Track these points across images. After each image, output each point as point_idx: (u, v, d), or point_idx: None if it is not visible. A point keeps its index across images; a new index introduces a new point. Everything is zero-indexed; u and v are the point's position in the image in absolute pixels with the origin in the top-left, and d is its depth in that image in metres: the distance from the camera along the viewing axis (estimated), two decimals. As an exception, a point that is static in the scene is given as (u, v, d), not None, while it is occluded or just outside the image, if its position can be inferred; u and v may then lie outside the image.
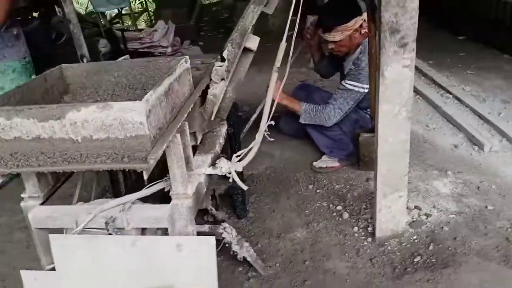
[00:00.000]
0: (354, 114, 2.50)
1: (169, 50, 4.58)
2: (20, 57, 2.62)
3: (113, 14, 8.00)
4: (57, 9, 7.53)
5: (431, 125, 2.98)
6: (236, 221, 2.27)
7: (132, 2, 10.16)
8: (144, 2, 7.68)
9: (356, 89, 2.37)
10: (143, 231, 1.52)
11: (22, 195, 1.53)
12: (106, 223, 1.43)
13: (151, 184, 1.56)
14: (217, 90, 1.84)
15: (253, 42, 1.80)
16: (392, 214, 1.91)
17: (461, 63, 4.11)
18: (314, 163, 2.64)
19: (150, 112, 1.24)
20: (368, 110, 2.52)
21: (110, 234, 1.44)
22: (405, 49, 1.64)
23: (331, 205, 2.28)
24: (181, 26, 5.67)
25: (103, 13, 6.67)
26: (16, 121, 1.25)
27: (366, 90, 2.37)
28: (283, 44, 1.70)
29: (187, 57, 1.65)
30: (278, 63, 1.71)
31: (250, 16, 1.74)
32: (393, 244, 1.93)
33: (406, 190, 1.88)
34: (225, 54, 1.79)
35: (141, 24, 8.66)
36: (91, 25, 7.07)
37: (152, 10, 8.08)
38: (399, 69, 1.66)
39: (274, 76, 1.74)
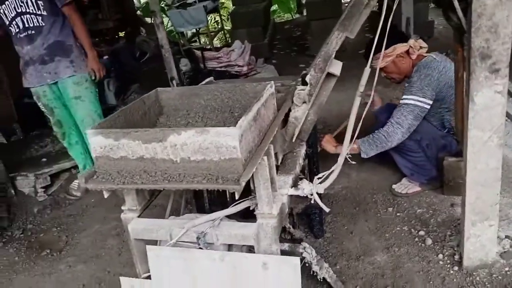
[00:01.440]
0: (443, 139, 2.42)
1: (245, 69, 4.74)
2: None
3: (191, 33, 8.45)
4: (141, 29, 8.13)
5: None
6: (313, 240, 2.29)
7: (208, 22, 10.70)
8: (220, 21, 8.01)
9: (411, 102, 2.29)
10: (229, 247, 1.60)
11: (122, 208, 1.68)
12: (198, 238, 1.53)
13: (237, 202, 1.64)
14: (299, 113, 1.89)
15: (337, 67, 1.83)
16: (481, 243, 1.82)
17: (555, 81, 3.81)
18: (394, 186, 2.59)
19: (242, 137, 1.32)
20: (448, 128, 2.45)
21: (200, 248, 1.54)
22: (497, 75, 1.58)
23: (412, 230, 2.22)
24: (255, 44, 5.84)
25: (182, 33, 7.09)
26: (123, 142, 1.39)
27: (426, 106, 2.29)
28: (367, 70, 1.72)
29: (272, 82, 1.73)
30: (361, 87, 1.73)
31: (334, 42, 1.78)
32: (482, 274, 1.83)
33: (497, 219, 1.78)
34: (307, 78, 1.84)
35: (216, 43, 9.05)
36: (171, 45, 7.53)
37: (228, 29, 8.41)
38: (490, 95, 1.61)
39: (357, 100, 1.76)
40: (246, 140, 1.36)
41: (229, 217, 1.65)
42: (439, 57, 2.41)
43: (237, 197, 1.33)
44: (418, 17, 5.06)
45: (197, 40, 8.45)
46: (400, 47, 2.36)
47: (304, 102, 1.89)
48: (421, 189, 2.52)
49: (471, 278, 1.83)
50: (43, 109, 3.06)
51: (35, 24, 2.80)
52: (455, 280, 1.84)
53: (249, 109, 1.42)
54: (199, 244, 1.53)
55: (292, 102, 1.91)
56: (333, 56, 1.79)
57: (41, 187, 3.22)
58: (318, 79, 1.83)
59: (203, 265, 1.52)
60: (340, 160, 1.77)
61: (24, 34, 2.83)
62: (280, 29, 8.44)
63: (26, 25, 2.81)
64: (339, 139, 2.51)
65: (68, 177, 3.47)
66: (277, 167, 1.91)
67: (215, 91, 1.83)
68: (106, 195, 1.49)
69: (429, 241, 2.09)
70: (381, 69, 2.44)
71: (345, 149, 1.78)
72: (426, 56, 2.40)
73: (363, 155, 2.38)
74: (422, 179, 2.50)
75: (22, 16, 2.79)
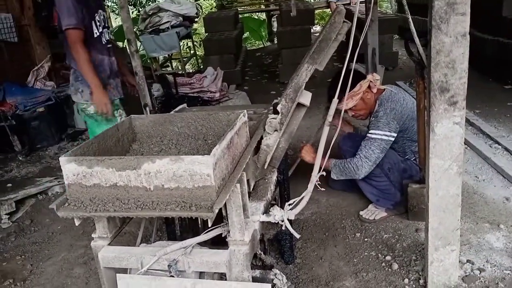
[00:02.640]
0: (403, 163, 2.54)
1: (217, 95, 4.80)
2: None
3: (163, 59, 8.49)
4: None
5: (480, 176, 2.95)
6: (284, 266, 2.31)
7: (181, 47, 10.79)
8: (193, 47, 8.11)
9: (378, 137, 2.42)
10: (201, 274, 1.60)
11: (93, 235, 1.66)
12: (169, 266, 1.53)
13: (209, 228, 1.66)
14: (271, 140, 1.95)
15: (306, 98, 1.91)
16: (444, 268, 1.90)
17: (509, 113, 4.05)
18: (361, 213, 2.66)
19: (216, 165, 1.35)
20: (408, 157, 2.56)
21: (172, 276, 1.54)
22: (455, 107, 1.69)
23: (380, 255, 2.28)
24: (227, 71, 5.94)
25: (154, 58, 7.12)
26: (96, 170, 1.40)
27: (391, 138, 2.42)
28: (335, 101, 1.81)
29: (245, 111, 1.78)
30: (330, 117, 1.82)
31: (304, 74, 1.86)
32: (445, 298, 1.90)
33: (459, 244, 1.87)
34: (279, 107, 1.91)
35: (189, 68, 9.12)
36: (143, 69, 7.52)
37: (200, 54, 8.51)
38: (449, 126, 1.71)
39: (326, 129, 1.84)
40: (219, 167, 1.39)
41: (201, 244, 1.67)
42: (394, 88, 2.58)
43: (210, 224, 1.35)
44: (383, 48, 5.30)
45: (169, 65, 8.50)
46: (364, 83, 2.47)
47: (276, 130, 1.95)
48: (387, 215, 2.60)
49: (435, 301, 1.90)
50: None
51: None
52: (420, 304, 1.90)
53: (223, 137, 1.46)
54: (170, 272, 1.53)
55: (264, 130, 1.97)
56: (303, 87, 1.87)
57: (6, 214, 3.12)
58: (288, 109, 1.90)
59: (175, 293, 1.52)
60: (310, 186, 1.82)
61: (108, 46, 2.83)
62: (251, 56, 8.62)
63: (107, 38, 2.81)
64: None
65: (34, 203, 3.37)
66: (249, 193, 1.95)
67: (189, 118, 1.86)
68: (77, 222, 1.48)
69: (395, 266, 2.16)
70: (350, 109, 2.54)
71: (315, 177, 1.84)
72: (383, 90, 2.54)
73: (333, 176, 2.54)
74: (388, 204, 2.58)
75: (106, 29, 2.80)
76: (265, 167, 1.96)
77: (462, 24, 1.60)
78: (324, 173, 1.83)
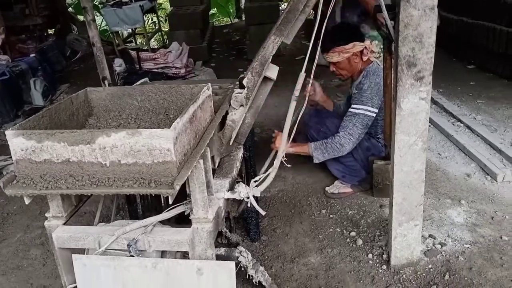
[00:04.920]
0: (366, 142, 2.53)
1: (182, 71, 4.66)
2: None
3: (126, 34, 8.19)
4: (73, 27, 7.73)
5: (443, 154, 3.00)
6: (249, 244, 2.29)
7: (145, 22, 10.42)
8: (157, 22, 7.84)
9: (362, 111, 2.36)
10: (162, 253, 1.54)
11: (46, 215, 1.56)
12: (129, 245, 1.46)
13: (171, 207, 1.59)
14: (236, 116, 1.88)
15: (273, 72, 1.85)
16: (407, 243, 1.92)
17: (471, 92, 4.15)
18: (327, 188, 2.66)
19: (177, 139, 1.28)
20: (379, 137, 2.55)
21: (131, 255, 1.47)
22: (422, 82, 1.68)
23: (344, 231, 2.29)
24: (194, 47, 5.78)
25: (117, 32, 6.84)
26: (47, 144, 1.29)
27: (373, 114, 2.38)
28: (302, 75, 1.76)
29: (209, 84, 1.70)
30: (297, 92, 1.77)
31: (271, 46, 1.79)
32: (408, 272, 1.93)
33: (421, 219, 1.89)
34: (245, 81, 1.84)
35: (154, 44, 8.84)
36: (105, 44, 7.24)
37: (165, 30, 8.25)
38: (415, 101, 1.70)
39: (293, 104, 1.79)
40: (181, 142, 1.32)
41: (164, 223, 1.60)
42: (381, 63, 2.48)
43: (171, 201, 1.29)
44: (350, 27, 5.27)
45: (133, 40, 8.21)
46: (358, 45, 2.39)
47: (242, 105, 1.88)
48: (352, 191, 2.61)
49: (398, 276, 1.92)
50: None
51: None
52: (383, 278, 1.93)
53: (185, 111, 1.39)
54: (130, 252, 1.46)
55: (230, 105, 1.90)
56: (270, 60, 1.81)
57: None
58: (255, 83, 1.84)
59: (135, 274, 1.46)
60: (276, 163, 1.79)
61: None
62: (219, 32, 8.43)
63: None
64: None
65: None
66: (214, 170, 1.89)
67: (149, 92, 1.77)
68: (27, 201, 1.38)
69: (359, 242, 2.17)
70: (333, 63, 2.47)
71: (281, 153, 1.80)
72: (372, 62, 2.47)
73: (315, 160, 2.46)
74: (354, 180, 2.59)
75: None
76: (231, 143, 1.90)
77: (430, -3, 1.57)
78: (291, 150, 1.79)
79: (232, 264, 1.43)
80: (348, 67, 2.47)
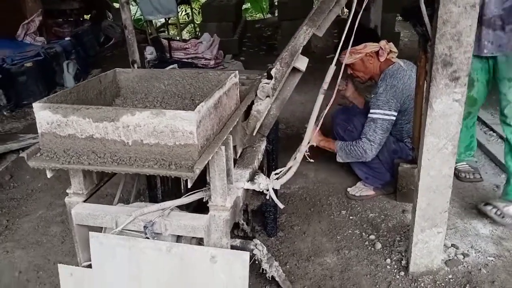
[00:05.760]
0: (394, 144, 2.46)
1: (212, 62, 4.67)
2: None
3: (160, 23, 8.27)
4: (108, 13, 7.87)
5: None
6: (266, 238, 2.27)
7: (179, 13, 10.51)
8: (191, 13, 7.89)
9: (379, 116, 2.32)
10: (178, 238, 1.54)
11: (67, 191, 1.58)
12: (145, 227, 1.46)
13: (190, 192, 1.58)
14: (262, 106, 1.86)
15: (302, 63, 1.81)
16: (428, 250, 1.85)
17: (507, 101, 3.98)
18: (349, 189, 2.61)
19: (200, 123, 1.27)
20: (405, 141, 2.47)
21: (147, 238, 1.47)
22: (457, 83, 1.61)
23: (363, 234, 2.24)
24: (225, 40, 5.78)
25: (150, 21, 6.91)
26: (72, 119, 1.30)
27: (392, 118, 2.33)
28: (332, 67, 1.71)
29: (237, 72, 1.68)
30: (325, 85, 1.72)
31: (302, 37, 1.76)
32: (427, 281, 1.86)
33: (445, 227, 1.82)
34: (273, 72, 1.81)
35: (186, 35, 8.90)
36: (138, 32, 7.33)
37: (198, 22, 8.29)
38: (449, 103, 1.63)
39: (320, 97, 1.74)
40: (204, 126, 1.31)
41: (182, 209, 1.59)
42: (406, 65, 2.41)
43: (189, 185, 1.28)
44: (385, 27, 5.17)
45: (166, 31, 8.28)
46: (371, 46, 2.35)
47: (268, 96, 1.86)
48: (375, 194, 2.55)
49: (415, 284, 1.86)
50: None
51: None
52: (400, 285, 1.87)
53: (210, 95, 1.37)
54: (146, 234, 1.46)
55: (256, 95, 1.87)
56: (300, 51, 1.77)
57: (-16, 168, 3.03)
58: (283, 74, 1.80)
59: (149, 256, 1.46)
60: (299, 157, 1.75)
61: None
62: (251, 27, 8.41)
63: None
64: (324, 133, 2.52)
65: (15, 159, 3.27)
66: (235, 160, 1.87)
67: (176, 76, 1.77)
68: (49, 174, 1.39)
69: (378, 246, 2.12)
70: (348, 65, 2.43)
71: (304, 147, 1.76)
72: (394, 63, 2.40)
73: (339, 159, 2.47)
74: (377, 183, 2.53)
75: None
76: (254, 134, 1.88)
77: (472, -6, 1.50)
78: (314, 144, 1.75)
79: (246, 255, 1.41)
80: (363, 68, 2.43)
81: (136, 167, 1.28)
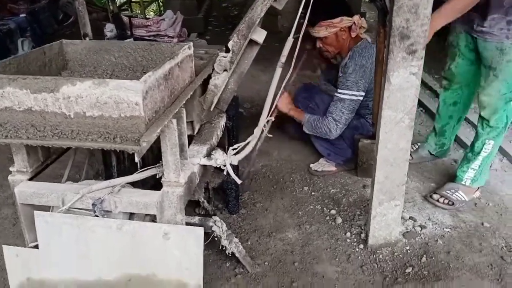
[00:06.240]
0: (355, 121, 2.45)
1: (175, 40, 4.52)
2: None
3: (123, 1, 7.96)
4: (66, -11, 7.50)
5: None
6: (227, 216, 2.23)
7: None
8: (155, -9, 7.64)
9: (347, 97, 2.31)
10: (131, 216, 1.48)
11: (11, 169, 1.49)
12: (93, 205, 1.40)
13: (143, 169, 1.52)
14: (219, 80, 1.80)
15: (260, 35, 1.76)
16: (386, 222, 1.87)
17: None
18: (311, 165, 2.60)
19: (147, 94, 1.20)
20: (368, 117, 2.48)
21: (96, 216, 1.41)
22: (414, 56, 1.60)
23: (325, 209, 2.24)
24: (189, 18, 5.62)
25: (113, -1, 6.64)
26: (8, 90, 1.21)
27: (360, 98, 2.33)
28: (289, 40, 1.67)
29: (191, 43, 1.62)
30: (283, 58, 1.68)
31: (259, 8, 1.70)
32: (385, 252, 1.89)
33: (403, 200, 1.84)
34: (230, 44, 1.75)
35: (150, 13, 8.62)
36: (100, 10, 7.04)
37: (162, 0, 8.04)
38: (406, 76, 1.63)
39: (278, 71, 1.71)
40: (152, 98, 1.24)
41: (136, 187, 1.53)
42: (373, 40, 2.37)
43: (136, 159, 1.22)
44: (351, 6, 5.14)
45: (129, 9, 7.99)
46: (346, 20, 2.29)
47: (225, 70, 1.80)
48: (337, 169, 2.55)
49: (374, 256, 1.88)
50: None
51: None
52: (359, 257, 1.88)
53: (160, 65, 1.30)
54: (95, 212, 1.40)
55: (213, 69, 1.81)
56: (257, 22, 1.72)
57: None
58: (240, 46, 1.75)
59: (99, 234, 1.40)
60: (257, 131, 1.72)
61: None
62: (217, 6, 8.23)
63: None
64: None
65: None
66: (193, 136, 1.82)
67: (127, 48, 1.68)
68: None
69: (339, 220, 2.13)
70: (320, 39, 2.37)
71: (263, 121, 1.73)
72: (362, 39, 2.37)
73: (305, 130, 2.47)
74: (339, 159, 2.53)
75: None
76: (211, 109, 1.82)
77: (429, -36, 1.48)
78: (273, 119, 1.72)
79: (200, 230, 1.37)
80: (336, 43, 2.37)
81: (79, 140, 1.21)
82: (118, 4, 7.48)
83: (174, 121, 1.34)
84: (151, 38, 4.52)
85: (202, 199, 2.12)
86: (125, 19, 4.68)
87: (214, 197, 2.26)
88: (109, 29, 4.56)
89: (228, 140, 2.20)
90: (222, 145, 2.07)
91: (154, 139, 1.22)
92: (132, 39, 2.13)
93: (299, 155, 2.79)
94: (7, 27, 4.73)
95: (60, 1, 6.88)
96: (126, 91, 1.15)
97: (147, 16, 6.74)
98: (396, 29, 1.58)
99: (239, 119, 2.34)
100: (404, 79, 1.64)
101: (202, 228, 1.37)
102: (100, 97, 1.17)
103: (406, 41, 1.59)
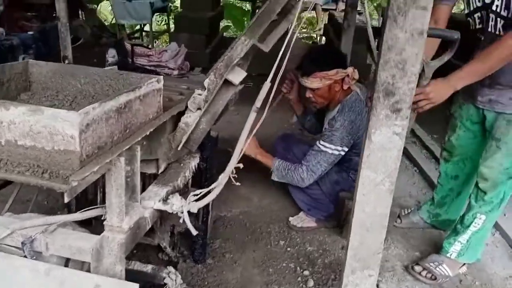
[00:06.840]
0: (336, 175, 2.31)
1: (175, 72, 4.50)
2: None
3: (136, 28, 8.08)
4: (80, 13, 7.65)
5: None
6: (192, 265, 2.06)
7: (158, 22, 10.35)
8: (167, 23, 7.73)
9: (329, 151, 2.18)
10: (67, 261, 1.32)
11: None
12: (23, 243, 1.24)
13: (88, 208, 1.38)
14: (191, 119, 1.68)
15: (237, 76, 1.65)
16: (357, 294, 1.68)
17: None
18: (291, 219, 2.44)
19: (88, 127, 1.07)
20: (351, 172, 2.33)
21: (25, 256, 1.25)
22: (398, 115, 1.47)
23: (298, 268, 2.06)
24: (196, 52, 5.63)
25: (123, 25, 6.73)
26: None
27: (342, 153, 2.20)
28: (267, 84, 1.56)
29: (161, 77, 1.51)
30: (258, 102, 1.56)
31: (239, 48, 1.61)
32: (353, 328, 1.69)
33: (378, 269, 1.66)
34: (206, 82, 1.64)
35: (162, 44, 8.71)
36: (110, 35, 7.12)
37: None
38: (388, 135, 1.49)
39: (252, 115, 1.58)
40: (95, 132, 1.11)
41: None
42: (362, 92, 2.28)
43: (65, 200, 1.07)
44: (355, 58, 5.10)
45: (140, 37, 8.10)
46: (341, 73, 2.20)
47: (199, 108, 1.68)
48: (317, 225, 2.38)
49: (342, 330, 1.68)
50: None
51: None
52: (326, 330, 1.69)
53: (112, 97, 1.19)
54: (24, 251, 1.24)
55: (186, 106, 1.70)
56: (235, 62, 1.61)
57: None
58: (216, 85, 1.64)
59: (25, 277, 1.23)
60: (222, 178, 1.57)
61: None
62: (227, 44, 8.25)
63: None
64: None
65: None
66: (156, 175, 1.68)
67: (95, 75, 1.58)
68: None
69: (311, 283, 1.94)
70: (311, 89, 2.25)
71: (230, 168, 1.58)
72: (352, 91, 2.26)
73: (274, 178, 2.31)
74: (319, 214, 2.37)
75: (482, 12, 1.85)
76: (179, 149, 1.69)
77: (421, 20, 1.37)
78: (241, 165, 1.58)
79: (135, 286, 1.20)
80: (327, 94, 2.25)
81: (4, 172, 1.07)
82: (130, 31, 7.59)
83: (122, 159, 1.21)
84: (152, 68, 4.50)
85: (165, 244, 1.96)
86: (127, 46, 4.69)
87: (180, 242, 2.09)
88: (111, 54, 4.56)
89: (200, 182, 2.06)
90: (198, 186, 1.93)
91: (90, 178, 1.08)
92: (115, 66, 2.03)
93: (280, 204, 2.63)
94: (10, 43, 4.74)
95: (72, 23, 6.99)
96: (62, 122, 1.03)
97: (150, 46, 6.80)
98: (381, 84, 1.46)
99: (215, 159, 2.20)
100: (387, 138, 1.50)
101: (137, 284, 1.20)
102: (34, 126, 1.05)
103: (391, 98, 1.47)
